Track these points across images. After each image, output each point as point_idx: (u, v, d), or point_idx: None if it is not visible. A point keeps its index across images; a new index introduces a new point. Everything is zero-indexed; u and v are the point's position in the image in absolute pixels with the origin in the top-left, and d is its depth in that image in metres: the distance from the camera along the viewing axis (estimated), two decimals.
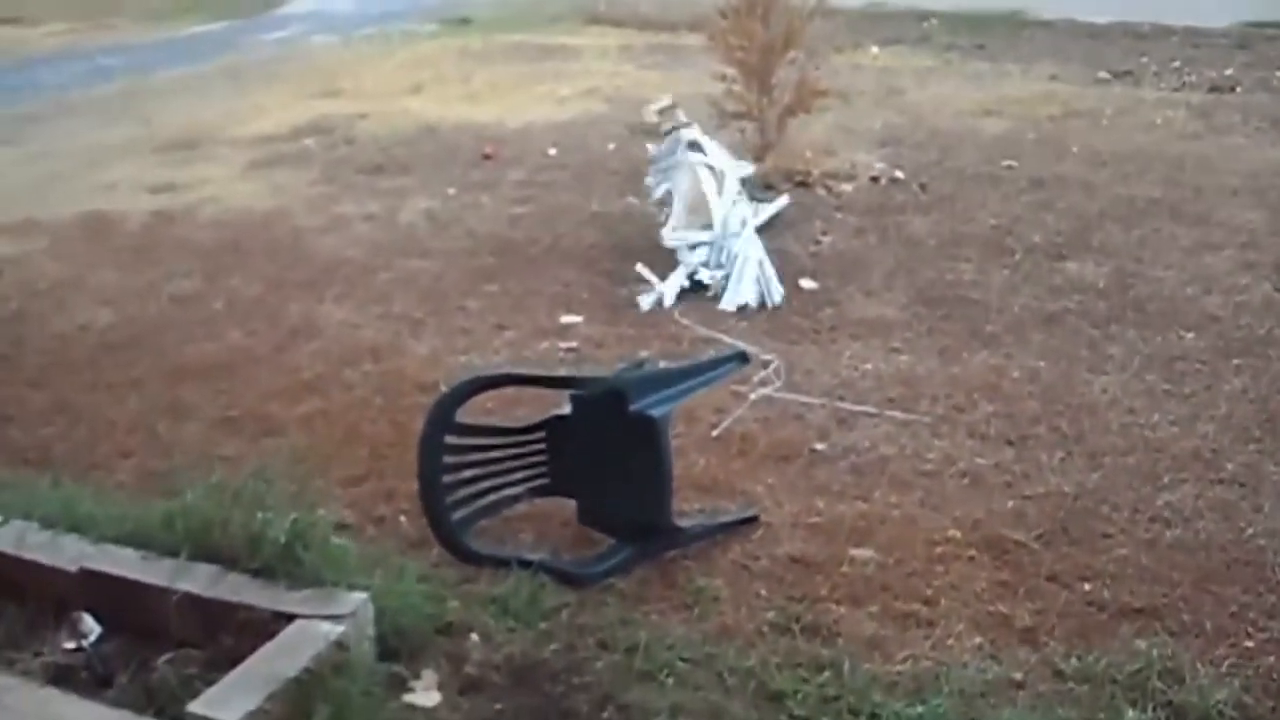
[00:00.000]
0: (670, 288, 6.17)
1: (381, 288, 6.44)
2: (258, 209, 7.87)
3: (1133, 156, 8.60)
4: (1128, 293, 6.16)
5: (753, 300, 6.13)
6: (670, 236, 6.36)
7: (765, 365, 5.27)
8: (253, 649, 3.18)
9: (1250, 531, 4.12)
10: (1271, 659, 3.50)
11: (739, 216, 6.47)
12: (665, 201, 6.70)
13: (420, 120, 10.06)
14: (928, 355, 5.51)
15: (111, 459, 4.77)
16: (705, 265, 6.29)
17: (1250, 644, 3.57)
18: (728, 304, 6.10)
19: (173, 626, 3.34)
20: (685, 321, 5.86)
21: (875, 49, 12.87)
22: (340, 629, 3.24)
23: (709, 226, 6.32)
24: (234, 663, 3.14)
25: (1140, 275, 6.39)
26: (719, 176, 6.53)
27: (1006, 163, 8.44)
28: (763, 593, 3.81)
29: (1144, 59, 12.27)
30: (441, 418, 3.94)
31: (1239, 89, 11.00)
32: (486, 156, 8.87)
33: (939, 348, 5.59)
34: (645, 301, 6.11)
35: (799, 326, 5.85)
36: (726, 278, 6.20)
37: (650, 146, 7.17)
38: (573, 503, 4.14)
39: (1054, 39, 13.57)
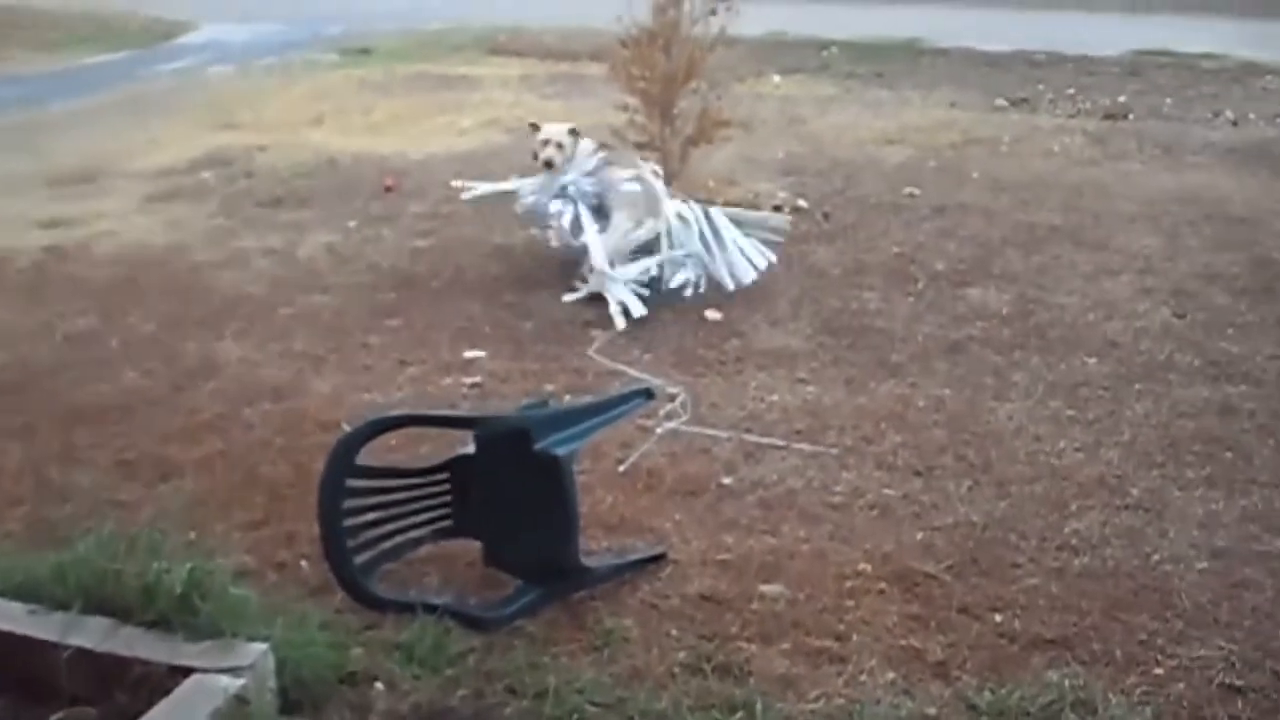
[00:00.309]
0: (631, 300, 6.25)
1: (282, 324, 6.32)
2: (155, 244, 7.70)
3: (1032, 184, 8.73)
4: (1030, 319, 6.22)
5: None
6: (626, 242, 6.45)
7: (671, 398, 5.24)
8: (149, 705, 3.05)
9: (1156, 557, 4.15)
10: (1181, 685, 3.51)
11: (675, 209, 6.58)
12: (572, 227, 6.64)
13: (321, 152, 9.93)
14: (834, 386, 5.51)
15: None
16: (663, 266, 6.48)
17: (1160, 671, 3.58)
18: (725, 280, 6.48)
19: (64, 683, 3.20)
20: (591, 354, 5.81)
21: (776, 78, 13.00)
22: (240, 682, 3.13)
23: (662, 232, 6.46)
24: None
25: (1041, 302, 6.46)
26: (648, 180, 6.61)
27: (908, 190, 8.52)
28: (673, 632, 3.76)
29: (1040, 86, 12.53)
30: (342, 460, 3.85)
31: (1132, 115, 11.26)
32: (388, 189, 8.78)
33: (845, 378, 5.59)
34: (618, 321, 6.14)
35: (704, 358, 5.82)
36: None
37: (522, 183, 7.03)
38: (478, 544, 4.06)
39: (951, 67, 13.81)
